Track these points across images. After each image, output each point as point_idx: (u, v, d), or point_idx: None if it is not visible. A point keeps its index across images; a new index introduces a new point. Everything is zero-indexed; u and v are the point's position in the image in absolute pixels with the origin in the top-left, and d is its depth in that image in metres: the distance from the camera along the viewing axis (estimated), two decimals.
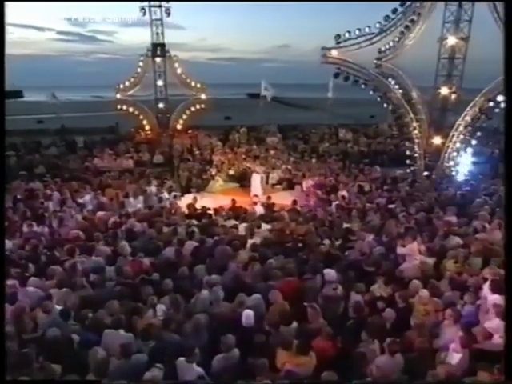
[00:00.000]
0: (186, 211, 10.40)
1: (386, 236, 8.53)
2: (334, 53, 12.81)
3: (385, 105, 13.77)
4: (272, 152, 17.29)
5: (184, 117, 21.17)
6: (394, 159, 17.20)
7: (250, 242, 8.26)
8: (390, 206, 10.66)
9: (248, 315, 5.58)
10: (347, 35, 12.78)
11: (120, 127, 23.64)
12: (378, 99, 13.63)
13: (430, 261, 7.43)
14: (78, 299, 6.14)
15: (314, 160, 16.74)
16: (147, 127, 20.64)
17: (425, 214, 9.64)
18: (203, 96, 20.99)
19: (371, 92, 13.50)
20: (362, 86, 13.35)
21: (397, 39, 14.62)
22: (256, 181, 13.32)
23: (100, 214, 10.06)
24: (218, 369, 4.92)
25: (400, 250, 7.45)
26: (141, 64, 20.02)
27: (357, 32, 12.82)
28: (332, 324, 5.64)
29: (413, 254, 7.41)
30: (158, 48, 19.93)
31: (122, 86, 19.91)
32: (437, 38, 14.11)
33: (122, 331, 5.42)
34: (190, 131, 20.75)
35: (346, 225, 9.37)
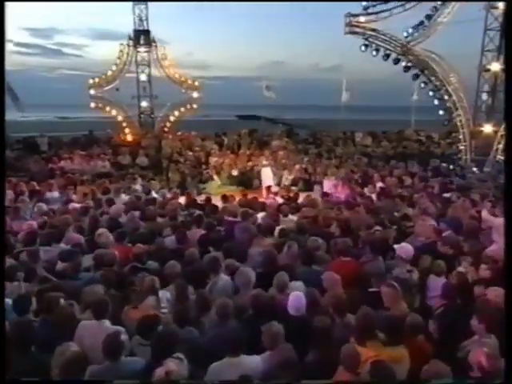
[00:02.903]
0: (184, 201, 9.19)
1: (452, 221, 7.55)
2: (362, 19, 12.16)
3: (422, 85, 13.02)
4: (281, 153, 16.37)
5: (172, 118, 20.36)
6: (426, 162, 16.41)
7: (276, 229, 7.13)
8: (445, 194, 9.74)
9: (297, 298, 4.35)
10: None
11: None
12: (414, 78, 12.90)
13: None
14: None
15: (332, 161, 15.80)
16: (127, 130, 19.69)
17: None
18: (195, 94, 20.29)
19: (405, 69, 12.78)
20: (395, 61, 12.62)
21: (427, 17, 14.13)
22: (266, 174, 12.34)
23: (72, 205, 8.79)
24: (266, 371, 3.63)
25: (490, 220, 6.42)
26: (120, 54, 19.32)
27: None
28: None
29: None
30: (142, 36, 19.36)
31: (97, 80, 19.09)
32: (477, 9, 13.64)
33: (107, 322, 4.11)
34: (179, 133, 19.84)
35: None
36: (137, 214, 7.91)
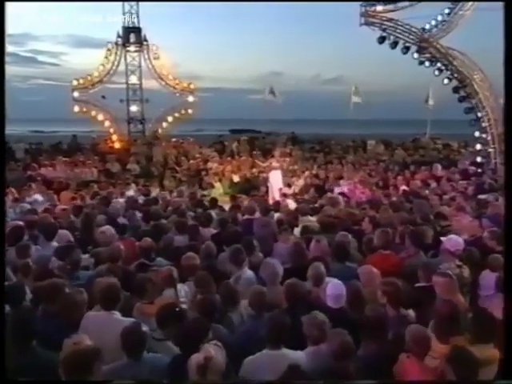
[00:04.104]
0: (188, 201, 9.02)
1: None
2: (379, 8, 12.26)
3: (445, 81, 13.07)
4: (288, 159, 16.29)
5: (164, 125, 20.33)
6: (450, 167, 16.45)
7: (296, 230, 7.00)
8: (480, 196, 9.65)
9: (336, 286, 4.16)
10: None
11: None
12: (437, 73, 12.96)
13: None
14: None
15: (345, 168, 15.74)
16: (114, 136, 19.58)
17: None
18: (191, 98, 20.34)
19: (427, 63, 12.85)
20: (415, 55, 12.73)
21: (447, 10, 14.25)
22: (276, 177, 12.48)
23: (60, 207, 8.58)
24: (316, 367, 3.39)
25: None
26: (108, 53, 19.34)
27: None
28: None
29: None
30: (132, 34, 19.41)
31: (81, 82, 19.03)
32: None
33: (117, 314, 3.87)
34: (174, 139, 19.81)
35: None
36: (138, 214, 7.73)
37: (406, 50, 12.73)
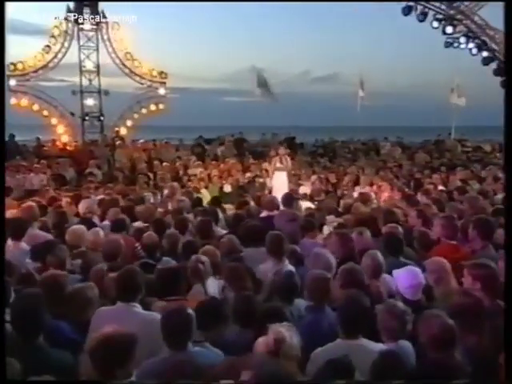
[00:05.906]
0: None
1: None
2: None
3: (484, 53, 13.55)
4: (290, 161, 16.49)
5: (129, 123, 20.31)
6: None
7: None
8: None
9: (413, 274, 4.24)
10: None
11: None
12: (474, 50, 13.42)
13: None
14: None
15: (361, 171, 16.02)
16: (64, 137, 19.43)
17: None
18: (162, 91, 20.47)
19: (461, 40, 13.29)
20: (449, 29, 13.16)
21: None
22: (281, 180, 12.85)
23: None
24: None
25: None
26: (55, 32, 19.17)
27: None
28: None
29: None
30: (86, 7, 19.25)
31: (19, 67, 18.76)
32: None
33: (138, 306, 3.85)
34: (141, 140, 19.83)
35: None
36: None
37: (438, 22, 13.12)
